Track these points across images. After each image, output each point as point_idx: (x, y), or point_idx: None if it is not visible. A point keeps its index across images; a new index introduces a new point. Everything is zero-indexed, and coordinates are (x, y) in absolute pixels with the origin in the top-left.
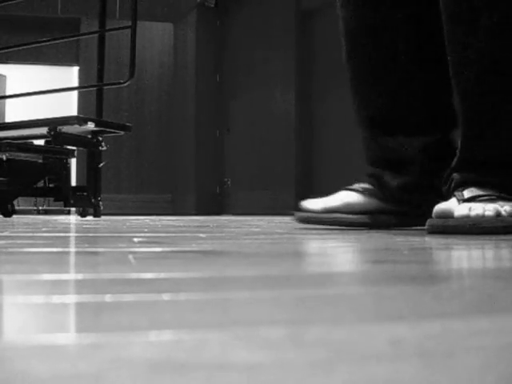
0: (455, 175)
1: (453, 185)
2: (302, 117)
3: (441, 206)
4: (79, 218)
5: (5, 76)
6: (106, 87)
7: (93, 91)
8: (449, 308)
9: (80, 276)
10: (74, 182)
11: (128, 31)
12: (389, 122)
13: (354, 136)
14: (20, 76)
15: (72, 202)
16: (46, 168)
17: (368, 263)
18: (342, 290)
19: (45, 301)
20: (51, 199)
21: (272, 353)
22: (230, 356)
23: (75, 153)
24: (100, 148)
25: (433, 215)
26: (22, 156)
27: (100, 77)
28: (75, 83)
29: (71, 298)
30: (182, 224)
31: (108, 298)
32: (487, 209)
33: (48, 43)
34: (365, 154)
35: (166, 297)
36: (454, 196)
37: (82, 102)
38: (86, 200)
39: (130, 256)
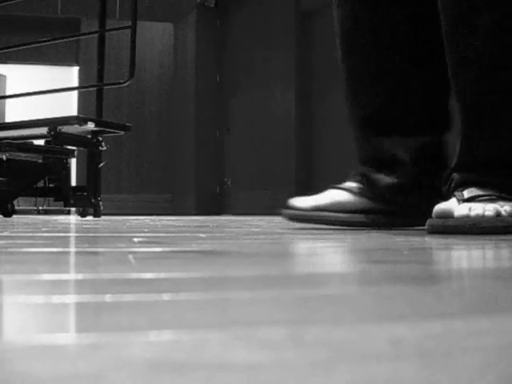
0: (455, 175)
1: (453, 185)
2: (302, 117)
3: (441, 206)
4: (79, 217)
5: (5, 76)
6: (105, 87)
7: (93, 91)
8: (449, 308)
9: (80, 276)
10: (74, 182)
11: (128, 31)
12: (386, 122)
13: None
14: (20, 76)
15: (72, 201)
16: (46, 168)
17: (368, 263)
18: (342, 289)
19: (45, 301)
20: (51, 199)
21: (272, 353)
22: (230, 356)
23: (75, 153)
24: (100, 148)
25: (433, 215)
26: (22, 156)
27: (100, 77)
28: (75, 83)
29: (71, 298)
30: (181, 224)
31: (108, 298)
32: (487, 209)
33: (48, 43)
34: (357, 153)
35: (165, 297)
36: (454, 196)
37: (82, 102)
38: (86, 200)
39: (130, 256)
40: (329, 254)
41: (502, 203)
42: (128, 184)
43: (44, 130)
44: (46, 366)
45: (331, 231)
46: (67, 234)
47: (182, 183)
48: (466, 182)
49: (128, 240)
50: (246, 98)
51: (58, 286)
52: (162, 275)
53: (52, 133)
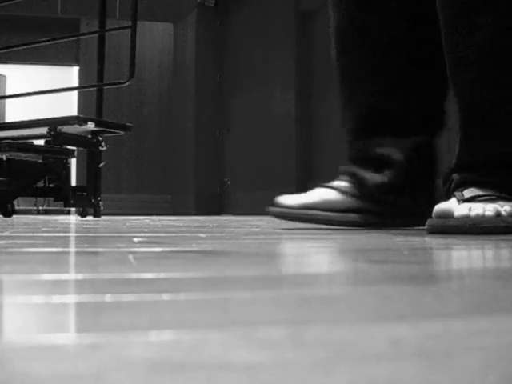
0: (455, 175)
1: (453, 185)
2: (302, 117)
3: (441, 206)
4: (79, 217)
5: (5, 76)
6: (106, 87)
7: (93, 91)
8: (449, 308)
9: (80, 276)
10: (74, 182)
11: (128, 31)
12: (381, 122)
13: None
14: (20, 76)
15: (72, 202)
16: (46, 168)
17: (368, 263)
18: (342, 289)
19: (45, 301)
20: (51, 199)
21: (272, 353)
22: (230, 356)
23: (75, 153)
24: (100, 148)
25: (433, 215)
26: (22, 156)
27: (100, 77)
28: (75, 83)
29: (71, 298)
30: (181, 224)
31: (108, 298)
32: (487, 209)
33: (48, 43)
34: (347, 152)
35: (165, 297)
36: (454, 196)
37: (82, 102)
38: (86, 200)
39: (130, 256)
40: (329, 254)
41: (502, 203)
42: (128, 184)
43: (44, 130)
44: (46, 366)
45: (330, 231)
46: (67, 234)
47: (181, 183)
48: (466, 182)
49: (128, 240)
50: (246, 98)
51: (57, 286)
52: (162, 275)
53: (52, 133)
